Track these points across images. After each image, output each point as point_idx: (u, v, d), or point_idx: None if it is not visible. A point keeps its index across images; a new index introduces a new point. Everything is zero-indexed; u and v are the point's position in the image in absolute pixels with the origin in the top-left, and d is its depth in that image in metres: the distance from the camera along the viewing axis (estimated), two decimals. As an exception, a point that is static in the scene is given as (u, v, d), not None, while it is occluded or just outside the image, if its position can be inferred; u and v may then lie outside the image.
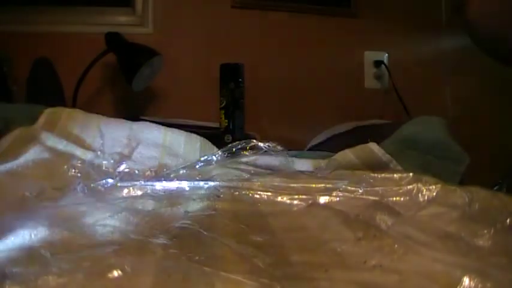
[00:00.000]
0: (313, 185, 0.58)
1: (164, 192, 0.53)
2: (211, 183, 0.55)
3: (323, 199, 0.52)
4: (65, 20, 1.47)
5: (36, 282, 0.29)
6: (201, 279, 0.30)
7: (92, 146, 0.74)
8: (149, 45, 1.30)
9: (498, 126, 1.65)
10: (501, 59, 0.93)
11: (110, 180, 0.54)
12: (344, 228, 0.41)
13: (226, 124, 1.08)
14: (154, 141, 0.79)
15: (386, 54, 1.69)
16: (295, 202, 0.51)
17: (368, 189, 0.56)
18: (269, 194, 0.53)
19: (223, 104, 1.09)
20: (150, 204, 0.48)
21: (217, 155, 0.66)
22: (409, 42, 1.69)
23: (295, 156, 0.78)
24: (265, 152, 0.68)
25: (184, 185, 0.55)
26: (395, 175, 0.62)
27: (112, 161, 0.68)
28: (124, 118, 0.85)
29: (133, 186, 0.54)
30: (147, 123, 0.86)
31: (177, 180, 0.57)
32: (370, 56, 1.69)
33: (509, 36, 0.89)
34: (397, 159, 0.73)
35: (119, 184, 0.54)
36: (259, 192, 0.53)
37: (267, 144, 0.67)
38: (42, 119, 0.79)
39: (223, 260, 0.33)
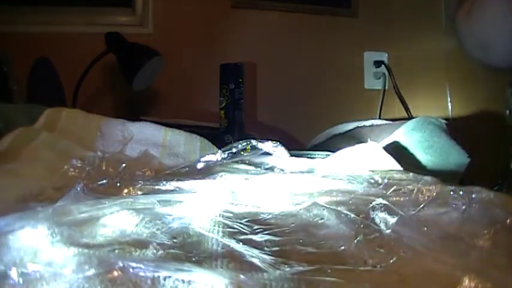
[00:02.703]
0: (313, 185, 0.58)
1: (164, 192, 0.53)
2: (211, 184, 0.55)
3: (323, 199, 0.52)
4: (65, 20, 1.47)
5: (37, 282, 0.29)
6: (202, 279, 0.30)
7: (92, 146, 0.74)
8: (149, 45, 1.30)
9: (498, 126, 1.65)
10: (489, 65, 0.95)
11: (110, 180, 0.54)
12: (344, 228, 0.41)
13: (226, 124, 1.08)
14: (154, 141, 0.78)
15: (387, 54, 1.69)
16: (295, 202, 0.51)
17: (368, 189, 0.56)
18: (269, 193, 0.53)
19: (223, 104, 1.09)
20: (150, 204, 0.48)
21: (217, 155, 0.66)
22: (409, 42, 1.70)
23: (295, 156, 0.78)
24: (265, 152, 0.68)
25: (184, 185, 0.55)
26: (395, 175, 0.62)
27: (112, 161, 0.68)
28: (124, 118, 0.85)
29: (133, 186, 0.54)
30: (147, 123, 0.86)
31: (177, 180, 0.57)
32: (370, 56, 1.69)
33: (495, 44, 0.90)
34: (397, 159, 0.73)
35: (118, 184, 0.54)
36: (259, 192, 0.53)
37: (267, 144, 0.67)
38: (42, 119, 0.79)
39: (223, 260, 0.33)
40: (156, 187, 0.54)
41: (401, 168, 0.70)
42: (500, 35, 0.90)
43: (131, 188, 0.53)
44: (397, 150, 0.79)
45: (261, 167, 0.70)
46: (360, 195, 0.54)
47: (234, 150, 0.66)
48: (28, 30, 1.41)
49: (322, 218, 0.45)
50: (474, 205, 0.50)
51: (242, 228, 0.41)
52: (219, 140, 1.00)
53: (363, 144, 0.77)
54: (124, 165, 0.64)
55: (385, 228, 0.42)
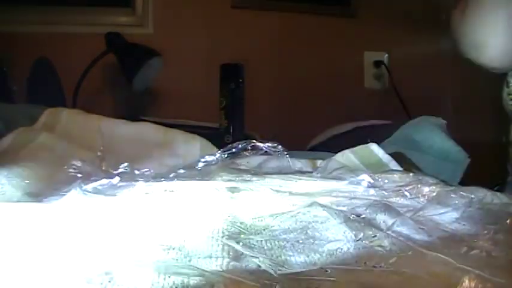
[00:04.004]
0: (313, 185, 0.58)
1: (164, 192, 0.53)
2: (211, 184, 0.55)
3: (323, 199, 0.52)
4: (65, 20, 1.48)
5: (37, 283, 0.29)
6: (201, 279, 0.30)
7: (92, 146, 0.74)
8: (149, 45, 1.30)
9: (498, 126, 1.65)
10: (483, 65, 0.95)
11: (110, 180, 0.54)
12: (344, 228, 0.41)
13: (226, 124, 1.08)
14: (154, 141, 0.78)
15: (386, 55, 1.69)
16: (295, 202, 0.51)
17: (368, 189, 0.56)
18: (269, 194, 0.53)
19: (224, 104, 1.09)
20: (150, 205, 0.48)
21: (217, 155, 0.66)
22: (409, 42, 1.70)
23: (295, 156, 0.78)
24: (265, 152, 0.68)
25: (184, 185, 0.55)
26: (395, 175, 0.62)
27: (112, 161, 0.68)
28: (124, 118, 0.85)
29: (133, 186, 0.54)
30: (147, 123, 0.86)
31: (177, 180, 0.57)
32: (370, 56, 1.69)
33: (489, 45, 0.90)
34: (397, 159, 0.73)
35: (119, 184, 0.54)
36: (259, 192, 0.53)
37: (267, 144, 0.67)
38: (42, 119, 0.79)
39: (223, 260, 0.33)
40: (156, 187, 0.54)
41: (401, 169, 0.70)
42: (494, 36, 0.90)
43: (131, 188, 0.53)
44: (397, 151, 0.79)
45: (260, 168, 0.70)
46: (360, 195, 0.54)
47: (234, 150, 0.66)
48: (28, 30, 1.41)
49: (322, 219, 0.45)
50: (474, 205, 0.50)
51: (242, 228, 0.41)
52: (219, 140, 1.00)
53: (362, 144, 0.77)
54: (124, 165, 0.64)
55: (385, 228, 0.42)
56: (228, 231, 0.39)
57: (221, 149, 0.67)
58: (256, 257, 0.34)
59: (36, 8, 1.45)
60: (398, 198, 0.54)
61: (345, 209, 0.48)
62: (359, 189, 0.56)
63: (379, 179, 0.60)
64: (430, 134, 0.83)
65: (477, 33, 0.91)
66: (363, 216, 0.46)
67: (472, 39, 0.93)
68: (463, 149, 0.80)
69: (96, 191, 0.51)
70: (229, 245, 0.36)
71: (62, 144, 0.70)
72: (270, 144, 0.67)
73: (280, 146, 0.68)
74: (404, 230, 0.42)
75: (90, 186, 0.51)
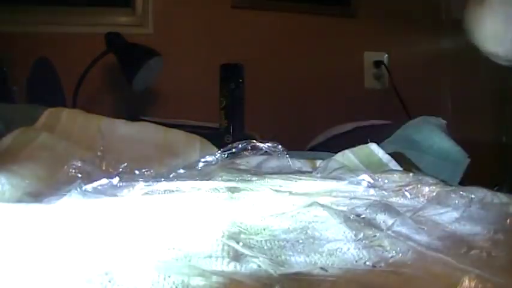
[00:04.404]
0: (313, 185, 0.58)
1: (164, 192, 0.53)
2: (211, 184, 0.55)
3: (323, 199, 0.52)
4: (65, 20, 1.48)
5: (37, 283, 0.29)
6: (201, 279, 0.30)
7: (92, 146, 0.74)
8: (149, 45, 1.30)
9: (498, 126, 1.65)
10: (498, 56, 0.95)
11: (110, 180, 0.54)
12: (344, 228, 0.41)
13: (226, 124, 1.08)
14: (154, 141, 0.78)
15: (386, 55, 1.69)
16: (295, 202, 0.51)
17: (368, 189, 0.56)
18: (269, 194, 0.53)
19: (224, 104, 1.09)
20: (150, 205, 0.48)
21: (217, 155, 0.66)
22: (409, 42, 1.70)
23: (295, 156, 0.78)
24: (265, 152, 0.68)
25: (184, 185, 0.55)
26: (395, 175, 0.62)
27: (112, 161, 0.68)
28: (124, 118, 0.85)
29: (133, 186, 0.54)
30: (147, 123, 0.86)
31: (177, 180, 0.57)
32: (369, 56, 1.69)
33: (506, 38, 0.90)
34: (397, 159, 0.73)
35: (119, 184, 0.54)
36: (259, 192, 0.53)
37: (267, 144, 0.67)
38: (42, 119, 0.79)
39: (223, 260, 0.33)
40: (156, 187, 0.54)
41: (401, 169, 0.70)
42: (510, 27, 0.90)
43: (131, 188, 0.53)
44: (396, 151, 0.79)
45: (260, 168, 0.70)
46: (360, 195, 0.54)
47: (234, 150, 0.66)
48: (28, 30, 1.41)
49: (322, 218, 0.45)
50: (474, 205, 0.50)
51: (242, 228, 0.41)
52: (219, 140, 1.00)
53: (362, 144, 0.77)
54: (124, 165, 0.64)
55: (385, 228, 0.42)
56: (228, 231, 0.39)
57: (221, 149, 0.67)
58: (256, 257, 0.34)
59: (36, 8, 1.45)
60: (398, 198, 0.54)
61: (344, 209, 0.48)
62: (359, 189, 0.56)
63: (379, 179, 0.60)
64: (430, 134, 0.83)
65: (493, 24, 0.91)
66: (363, 216, 0.46)
67: (488, 30, 0.92)
68: (463, 149, 0.80)
69: (96, 191, 0.51)
70: (229, 245, 0.36)
71: (62, 144, 0.70)
72: (270, 144, 0.67)
73: (280, 146, 0.68)
74: (404, 230, 0.42)
75: (90, 186, 0.51)
